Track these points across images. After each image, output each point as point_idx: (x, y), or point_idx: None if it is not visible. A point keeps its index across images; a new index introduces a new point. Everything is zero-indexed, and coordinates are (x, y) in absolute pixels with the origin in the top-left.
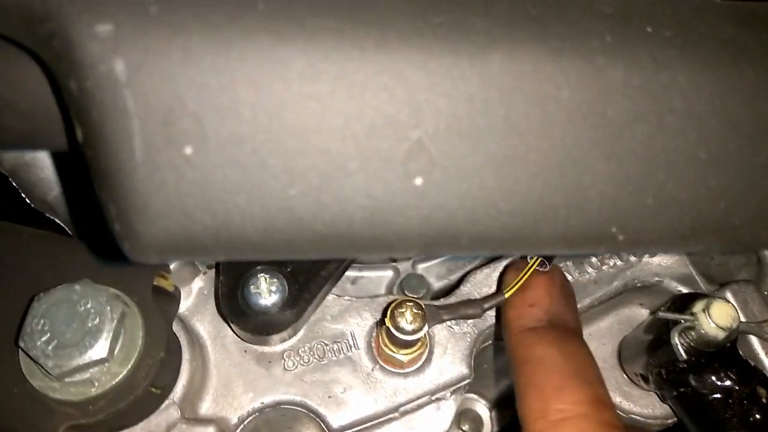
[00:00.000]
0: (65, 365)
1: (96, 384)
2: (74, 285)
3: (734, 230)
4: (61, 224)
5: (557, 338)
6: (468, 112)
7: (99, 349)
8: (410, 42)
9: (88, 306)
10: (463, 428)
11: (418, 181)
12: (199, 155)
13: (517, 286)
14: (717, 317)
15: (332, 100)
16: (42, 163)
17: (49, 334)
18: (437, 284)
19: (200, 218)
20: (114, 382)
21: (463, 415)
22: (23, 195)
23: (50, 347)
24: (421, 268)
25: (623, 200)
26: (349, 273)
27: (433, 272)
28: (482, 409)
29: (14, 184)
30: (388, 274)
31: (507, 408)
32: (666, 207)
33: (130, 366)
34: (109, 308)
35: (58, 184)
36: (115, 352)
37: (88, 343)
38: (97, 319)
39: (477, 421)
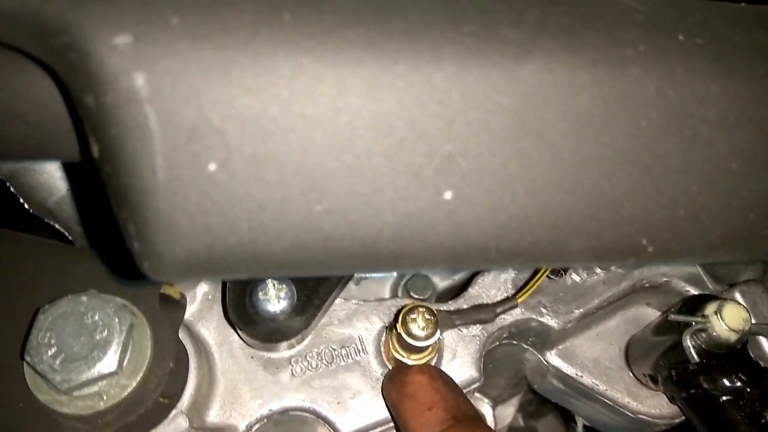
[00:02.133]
0: (73, 379)
1: (105, 397)
2: (80, 296)
3: (763, 240)
4: (61, 230)
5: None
6: (500, 124)
7: (108, 363)
8: (441, 53)
9: (96, 318)
10: None
11: (448, 195)
12: (223, 172)
13: (529, 292)
14: (729, 319)
15: (361, 114)
16: (41, 167)
17: (56, 348)
18: (442, 284)
19: (224, 237)
20: (123, 395)
21: None
22: (22, 200)
23: (57, 361)
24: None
25: (655, 212)
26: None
27: (438, 273)
28: (485, 408)
29: (12, 189)
30: (393, 275)
31: (510, 406)
32: (697, 219)
33: (139, 378)
34: (117, 320)
35: (58, 189)
36: (124, 364)
37: (96, 356)
38: (106, 332)
39: None
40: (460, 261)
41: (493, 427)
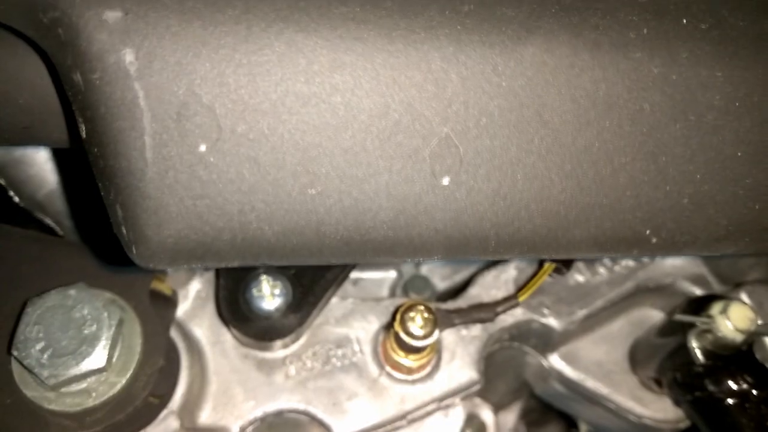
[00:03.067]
0: (61, 375)
1: (93, 394)
2: (69, 289)
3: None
4: (51, 224)
5: None
6: (499, 107)
7: (96, 358)
8: (439, 32)
9: (84, 312)
10: None
11: (446, 180)
12: (213, 153)
13: (530, 291)
14: (735, 319)
15: (356, 94)
16: (31, 159)
17: (44, 342)
18: (441, 285)
19: (214, 221)
20: (112, 393)
21: (467, 421)
22: (11, 193)
23: (45, 355)
24: (425, 269)
25: (659, 201)
26: (351, 274)
27: (438, 273)
28: (487, 413)
29: (2, 181)
30: (391, 275)
31: (511, 412)
32: (702, 208)
33: (128, 375)
34: (106, 314)
35: (47, 182)
36: (113, 360)
37: (85, 352)
38: (94, 326)
39: (481, 427)
40: (459, 250)
41: None
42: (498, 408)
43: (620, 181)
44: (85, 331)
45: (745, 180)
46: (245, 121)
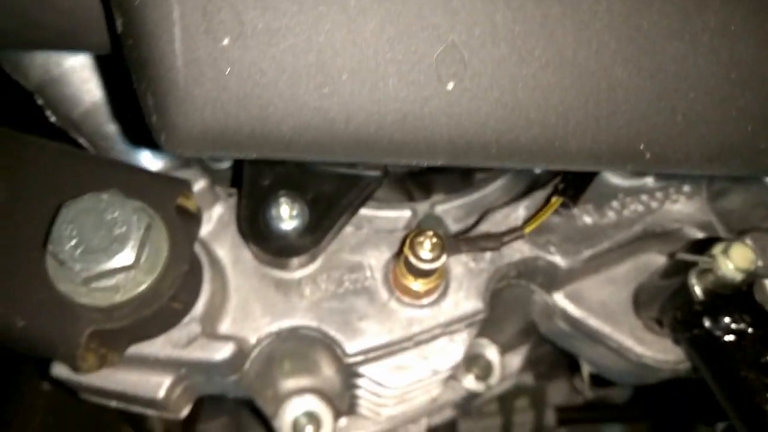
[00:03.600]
0: (92, 269)
1: (121, 291)
2: (102, 194)
3: (760, 154)
4: (85, 144)
5: None
6: (503, 15)
7: (125, 256)
8: None
9: (115, 215)
10: (474, 371)
11: (450, 85)
12: (235, 48)
13: (536, 223)
14: (736, 259)
15: None
16: (68, 79)
17: (77, 239)
18: (455, 227)
19: (236, 112)
20: (138, 290)
21: (474, 360)
22: (48, 112)
23: (78, 251)
24: (439, 209)
25: (653, 116)
26: (366, 212)
27: (451, 215)
28: (492, 353)
29: (39, 101)
30: (406, 214)
31: (517, 355)
32: (695, 126)
33: (155, 276)
34: (135, 218)
35: (83, 102)
36: (141, 260)
37: (115, 249)
38: (124, 228)
39: (487, 368)
40: (461, 154)
41: (499, 373)
42: (504, 350)
43: (617, 96)
44: (116, 232)
45: (738, 101)
46: (265, 19)
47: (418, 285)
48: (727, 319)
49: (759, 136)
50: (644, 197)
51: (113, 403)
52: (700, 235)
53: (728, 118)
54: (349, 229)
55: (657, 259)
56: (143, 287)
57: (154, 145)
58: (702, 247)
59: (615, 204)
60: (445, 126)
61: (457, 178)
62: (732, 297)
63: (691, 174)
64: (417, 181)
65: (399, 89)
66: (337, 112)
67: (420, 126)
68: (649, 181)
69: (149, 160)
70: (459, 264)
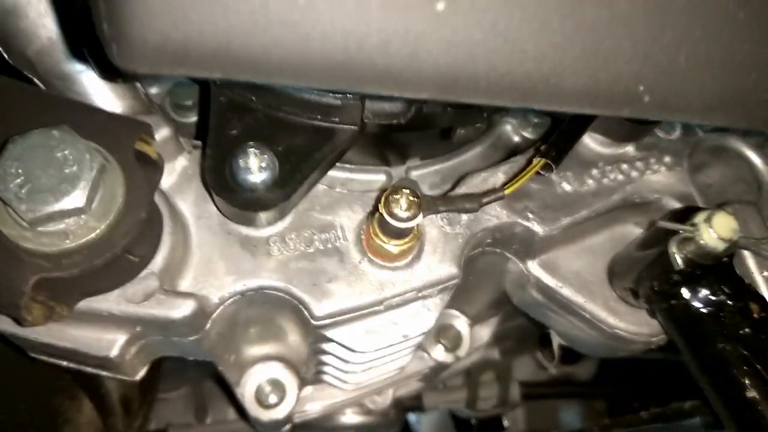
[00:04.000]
0: (39, 210)
1: (70, 236)
2: (52, 130)
3: (761, 105)
4: (40, 84)
5: None
6: None
7: (76, 198)
8: None
9: (66, 152)
10: (443, 342)
11: (440, 6)
12: None
13: (517, 184)
14: (718, 228)
15: None
16: (24, 11)
17: (23, 178)
18: (430, 193)
19: (198, 23)
20: (90, 237)
21: (443, 331)
22: (0, 49)
23: (23, 191)
24: (414, 174)
25: (654, 55)
26: (340, 174)
27: (427, 180)
28: (462, 325)
29: None
30: (381, 178)
31: (486, 327)
32: (698, 69)
33: (108, 222)
34: (88, 157)
35: (38, 38)
36: (93, 204)
37: (64, 190)
38: (75, 167)
39: (456, 338)
40: (448, 88)
41: (468, 344)
42: (475, 321)
43: (617, 30)
44: (66, 171)
45: (744, 45)
46: None
47: (391, 246)
48: (705, 291)
49: (761, 86)
50: (624, 166)
51: (64, 363)
52: (679, 206)
53: (732, 63)
54: (321, 187)
55: (634, 231)
56: (95, 233)
57: (113, 83)
58: (682, 216)
59: (595, 172)
60: (432, 53)
61: (434, 143)
62: (711, 268)
63: (689, 123)
64: (392, 145)
65: (383, 6)
66: (312, 28)
67: (405, 52)
68: (630, 150)
69: (108, 104)
70: (434, 227)
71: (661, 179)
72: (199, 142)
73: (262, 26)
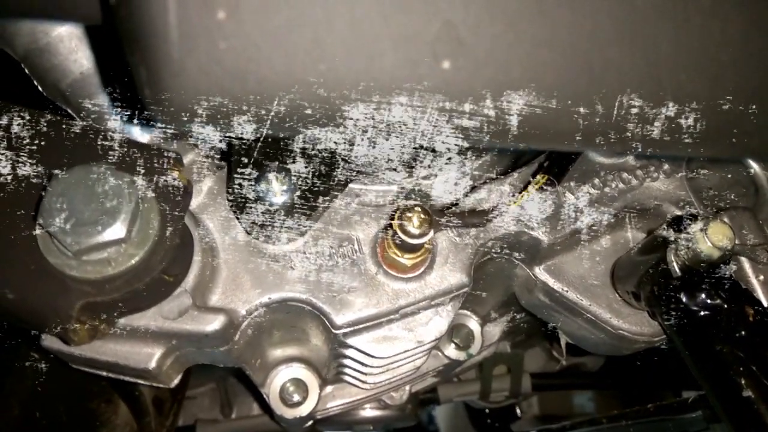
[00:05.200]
0: (83, 242)
1: (112, 264)
2: (92, 166)
3: (746, 136)
4: (73, 114)
5: None
6: None
7: (116, 230)
8: None
9: (106, 188)
10: (456, 341)
11: (446, 64)
12: (231, 22)
13: (521, 200)
14: (714, 236)
15: None
16: (55, 49)
17: (67, 212)
18: (440, 202)
19: (230, 87)
20: (130, 264)
21: (456, 330)
22: (36, 83)
23: (68, 225)
24: (425, 185)
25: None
26: (354, 186)
27: (437, 190)
28: (474, 324)
29: (27, 71)
30: (392, 189)
31: (497, 325)
32: (684, 107)
33: (146, 249)
34: (127, 191)
35: (71, 72)
36: (132, 234)
37: (106, 222)
38: (115, 201)
39: (468, 337)
40: (470, 136)
41: (480, 343)
42: (486, 320)
43: (610, 76)
44: (107, 205)
45: (727, 83)
46: None
47: (405, 259)
48: (703, 295)
49: (745, 118)
50: (625, 175)
51: (104, 373)
52: (677, 212)
53: (716, 99)
54: (337, 202)
55: (636, 236)
56: (134, 260)
57: (144, 118)
58: (680, 223)
59: (596, 181)
60: (442, 103)
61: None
62: (708, 273)
63: (677, 156)
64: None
65: (394, 66)
66: (334, 89)
67: (415, 104)
68: (630, 159)
69: (139, 132)
70: (445, 238)
71: (660, 186)
72: (224, 163)
73: (288, 89)
